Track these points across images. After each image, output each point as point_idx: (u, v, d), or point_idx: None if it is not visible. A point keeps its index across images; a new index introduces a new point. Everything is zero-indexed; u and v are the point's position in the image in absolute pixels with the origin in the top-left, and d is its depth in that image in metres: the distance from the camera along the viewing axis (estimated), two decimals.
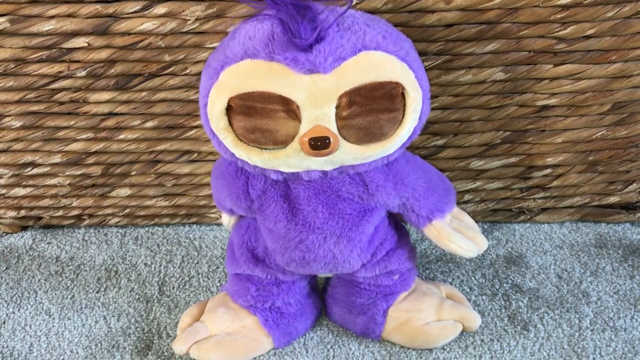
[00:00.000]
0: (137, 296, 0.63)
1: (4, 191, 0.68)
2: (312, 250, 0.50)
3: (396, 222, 0.56)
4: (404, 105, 0.44)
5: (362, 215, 0.50)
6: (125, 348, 0.58)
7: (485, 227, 0.70)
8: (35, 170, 0.66)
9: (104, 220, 0.71)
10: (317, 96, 0.41)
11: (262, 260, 0.54)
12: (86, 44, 0.56)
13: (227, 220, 0.57)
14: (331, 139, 0.43)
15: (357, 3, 0.53)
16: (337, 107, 0.42)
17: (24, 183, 0.67)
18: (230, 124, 0.44)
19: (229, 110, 0.43)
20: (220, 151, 0.46)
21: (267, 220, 0.51)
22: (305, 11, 0.39)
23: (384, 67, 0.42)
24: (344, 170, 0.47)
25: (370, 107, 0.43)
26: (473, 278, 0.64)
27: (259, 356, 0.57)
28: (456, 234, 0.52)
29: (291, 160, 0.44)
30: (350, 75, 0.41)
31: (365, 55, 0.41)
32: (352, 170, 0.47)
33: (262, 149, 0.44)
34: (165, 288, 0.64)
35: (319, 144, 0.43)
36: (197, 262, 0.67)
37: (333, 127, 0.43)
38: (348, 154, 0.44)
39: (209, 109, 0.44)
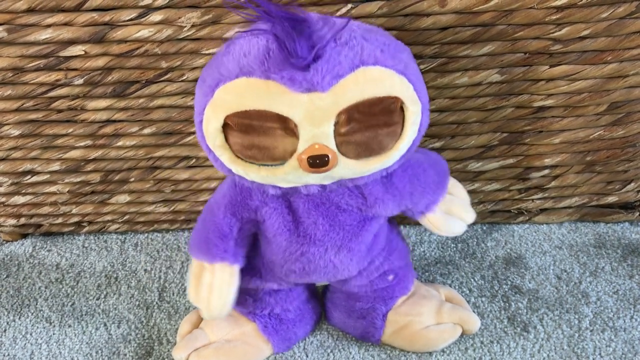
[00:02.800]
0: (137, 302, 0.63)
1: (3, 199, 0.68)
2: (313, 261, 0.50)
3: (389, 221, 0.56)
4: (403, 119, 0.43)
5: (362, 225, 0.50)
6: (125, 355, 0.58)
7: (484, 228, 0.70)
8: (35, 178, 0.66)
9: (104, 227, 0.71)
10: (315, 115, 0.40)
11: (258, 273, 0.54)
12: (83, 52, 0.56)
13: (228, 276, 0.50)
14: (330, 157, 0.42)
15: (351, 7, 0.53)
16: (335, 124, 0.41)
17: (23, 191, 0.67)
18: (227, 140, 0.43)
19: (225, 127, 0.42)
20: (217, 167, 0.45)
21: (267, 232, 0.50)
22: (302, 26, 0.39)
23: (383, 83, 0.41)
24: (342, 183, 0.47)
25: (369, 123, 0.42)
26: (472, 280, 0.64)
27: None
28: (445, 221, 0.54)
29: (289, 177, 0.44)
30: (349, 93, 0.40)
31: (363, 71, 0.40)
32: (350, 183, 0.47)
33: (259, 165, 0.44)
34: (165, 294, 0.64)
35: (318, 162, 0.42)
36: None
37: (332, 145, 0.42)
38: (347, 169, 0.44)
39: (204, 127, 0.43)
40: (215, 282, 0.50)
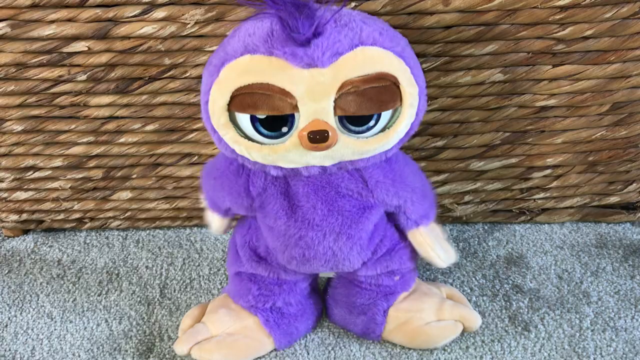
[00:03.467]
0: (138, 299, 0.63)
1: (5, 195, 0.68)
2: (312, 247, 0.50)
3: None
4: (401, 99, 0.44)
5: (361, 212, 0.50)
6: (127, 351, 0.58)
7: (486, 227, 0.70)
8: (37, 174, 0.66)
9: (105, 224, 0.71)
10: (315, 90, 0.42)
11: (264, 259, 0.55)
12: (86, 48, 0.56)
13: (218, 223, 0.55)
14: (330, 133, 0.43)
15: (356, 5, 0.53)
16: (335, 100, 0.43)
17: (25, 187, 0.67)
18: (230, 104, 0.44)
19: (230, 102, 0.43)
20: (221, 148, 0.47)
21: (267, 218, 0.51)
22: (304, 8, 0.40)
23: (381, 62, 0.43)
24: (342, 166, 0.47)
25: (368, 84, 0.43)
26: (474, 279, 0.64)
27: (260, 356, 0.57)
28: (437, 243, 0.54)
29: (290, 155, 0.45)
30: (348, 69, 0.42)
31: (362, 50, 0.42)
32: (351, 166, 0.47)
33: (261, 143, 0.45)
34: (166, 291, 0.64)
35: (318, 138, 0.43)
36: (199, 265, 0.67)
37: (331, 121, 0.43)
38: (347, 147, 0.45)
39: (210, 106, 0.44)
40: (213, 222, 0.56)
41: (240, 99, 0.43)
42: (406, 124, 0.45)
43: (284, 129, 0.44)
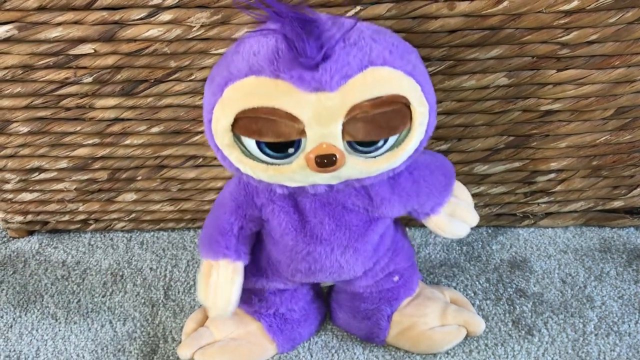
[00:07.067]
0: (142, 300, 0.64)
1: (11, 196, 0.68)
2: (319, 261, 0.50)
3: (395, 222, 0.56)
4: (411, 118, 0.43)
5: (368, 225, 0.50)
6: (131, 352, 0.58)
7: (490, 231, 0.70)
8: (42, 176, 0.66)
9: (110, 225, 0.72)
10: (322, 114, 0.40)
11: (264, 273, 0.54)
12: (92, 51, 0.56)
13: (230, 273, 0.50)
14: (337, 156, 0.42)
15: (360, 9, 0.53)
16: (343, 124, 0.41)
17: (30, 188, 0.68)
18: (234, 126, 0.43)
19: (234, 124, 0.42)
20: (225, 165, 0.46)
21: (273, 232, 0.50)
22: (311, 27, 0.39)
23: (391, 83, 0.41)
24: (349, 183, 0.46)
25: (378, 109, 0.41)
26: (477, 282, 0.64)
27: None
28: (450, 223, 0.53)
29: (296, 175, 0.44)
30: (357, 92, 0.40)
31: (371, 71, 0.40)
32: (357, 183, 0.47)
33: (267, 164, 0.44)
34: (170, 292, 0.64)
35: (326, 161, 0.42)
36: None
37: (339, 144, 0.42)
38: (354, 169, 0.44)
39: (213, 126, 0.43)
40: (219, 280, 0.50)
41: (245, 124, 0.42)
42: (415, 143, 0.44)
43: (290, 150, 0.43)
